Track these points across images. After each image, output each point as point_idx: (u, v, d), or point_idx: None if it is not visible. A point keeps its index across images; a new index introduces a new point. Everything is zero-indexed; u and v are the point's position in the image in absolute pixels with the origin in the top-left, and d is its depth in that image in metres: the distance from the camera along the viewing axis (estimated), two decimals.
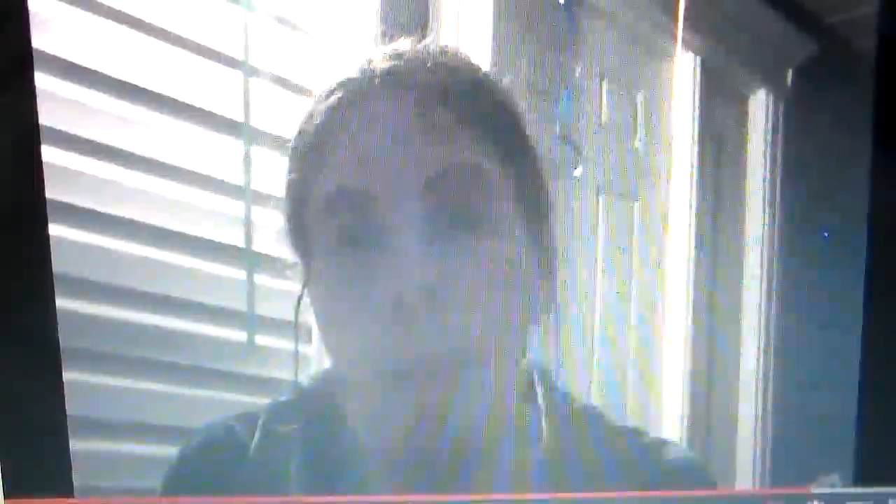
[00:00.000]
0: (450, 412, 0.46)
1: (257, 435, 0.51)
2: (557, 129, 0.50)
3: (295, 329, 0.53)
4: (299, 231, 0.50)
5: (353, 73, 0.47)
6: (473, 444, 0.48)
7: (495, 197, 0.47)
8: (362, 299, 0.46)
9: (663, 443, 0.53)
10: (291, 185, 0.50)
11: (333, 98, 0.47)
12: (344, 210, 0.46)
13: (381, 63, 0.47)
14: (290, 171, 0.50)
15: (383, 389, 0.46)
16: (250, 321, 0.61)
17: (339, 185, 0.46)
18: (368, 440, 0.50)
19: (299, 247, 0.51)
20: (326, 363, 0.52)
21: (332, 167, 0.47)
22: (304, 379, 0.54)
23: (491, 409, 0.47)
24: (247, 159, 0.60)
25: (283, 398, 0.53)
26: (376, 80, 0.47)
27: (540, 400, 0.51)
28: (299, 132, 0.49)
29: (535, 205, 0.49)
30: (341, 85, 0.48)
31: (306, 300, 0.51)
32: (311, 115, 0.48)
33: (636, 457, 0.52)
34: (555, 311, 0.52)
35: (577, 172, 0.52)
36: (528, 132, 0.49)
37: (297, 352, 0.53)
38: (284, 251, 0.52)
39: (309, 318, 0.51)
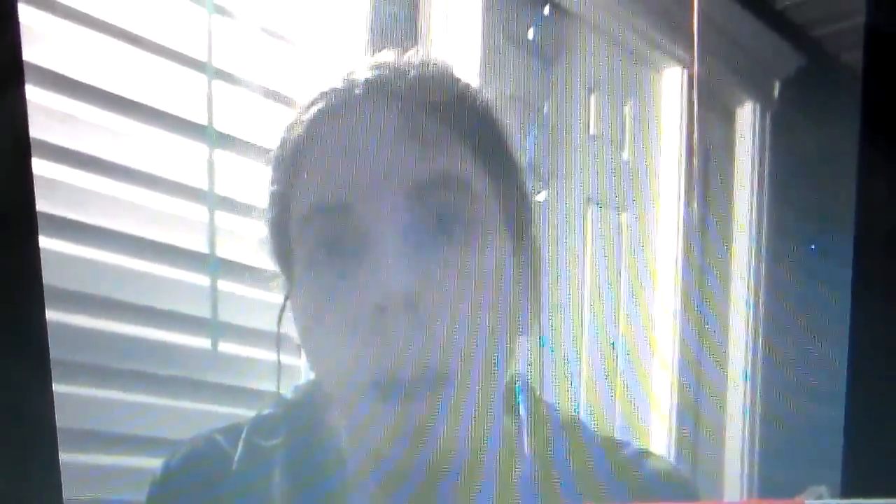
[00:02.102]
0: (433, 424, 0.45)
1: (240, 448, 0.50)
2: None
3: (277, 341, 0.52)
4: (281, 242, 0.50)
5: (335, 83, 0.47)
6: (457, 456, 0.47)
7: (477, 207, 0.46)
8: (344, 310, 0.46)
9: (646, 454, 0.52)
10: (273, 197, 0.49)
11: (314, 109, 0.47)
12: (325, 221, 0.46)
13: (362, 74, 0.47)
14: (272, 183, 0.49)
15: (366, 401, 0.46)
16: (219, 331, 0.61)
17: (320, 196, 0.46)
18: (352, 453, 0.49)
19: (281, 258, 0.50)
20: (311, 376, 0.52)
21: (313, 178, 0.46)
22: (288, 391, 0.53)
23: (474, 421, 0.47)
24: (228, 169, 0.60)
25: (267, 411, 0.53)
26: (357, 91, 0.46)
27: (523, 412, 0.51)
28: (281, 143, 0.49)
29: (518, 216, 0.49)
30: (323, 95, 0.47)
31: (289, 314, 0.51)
32: (292, 126, 0.48)
33: (619, 468, 0.51)
34: (540, 325, 0.52)
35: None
36: (510, 144, 0.49)
37: (279, 363, 0.53)
38: (267, 262, 0.52)
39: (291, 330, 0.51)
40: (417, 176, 0.45)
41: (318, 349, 0.48)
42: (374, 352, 0.44)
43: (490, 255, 0.47)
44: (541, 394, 0.53)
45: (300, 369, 0.57)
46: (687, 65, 0.68)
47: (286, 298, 0.51)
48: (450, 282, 0.46)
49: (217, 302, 0.61)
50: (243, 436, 0.51)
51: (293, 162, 0.47)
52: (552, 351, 0.56)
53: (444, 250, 0.46)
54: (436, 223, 0.46)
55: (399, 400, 0.45)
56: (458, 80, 0.49)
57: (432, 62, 0.48)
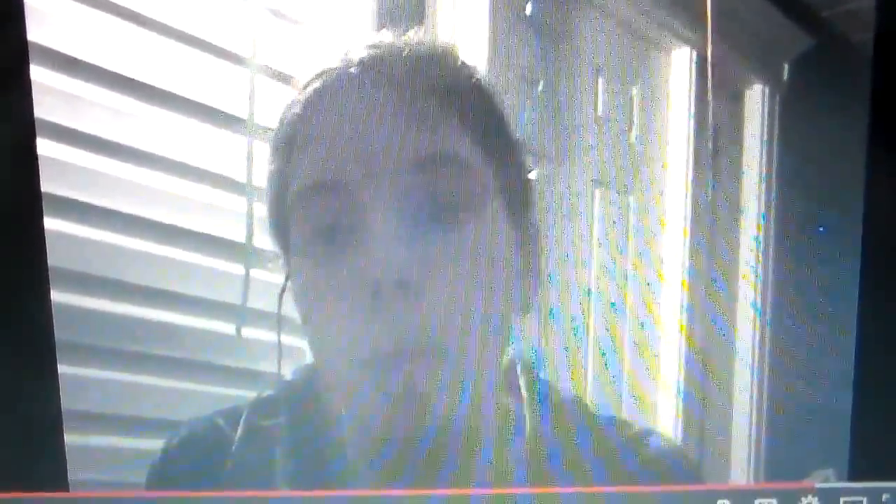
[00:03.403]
0: (429, 401, 0.46)
1: (240, 429, 0.51)
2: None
3: (278, 322, 0.53)
4: (280, 221, 0.50)
5: (332, 62, 0.48)
6: (455, 433, 0.48)
7: (474, 186, 0.47)
8: (340, 288, 0.46)
9: (647, 432, 0.53)
10: (272, 176, 0.50)
11: (311, 87, 0.48)
12: (320, 200, 0.46)
13: (359, 53, 0.47)
14: (271, 162, 0.50)
15: (363, 379, 0.46)
16: (241, 316, 0.61)
17: (316, 175, 0.46)
18: (350, 431, 0.50)
19: (280, 237, 0.51)
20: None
21: (309, 157, 0.47)
22: (287, 373, 0.54)
23: (471, 398, 0.47)
24: (245, 153, 0.60)
25: (267, 393, 0.53)
26: (353, 69, 0.47)
27: (523, 391, 0.51)
28: (279, 122, 0.49)
29: (517, 197, 0.49)
30: (319, 75, 0.48)
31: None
32: (290, 106, 0.49)
33: (620, 447, 0.51)
34: (534, 307, 0.52)
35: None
36: (509, 125, 0.49)
37: (279, 344, 0.53)
38: (268, 243, 0.52)
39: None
40: (413, 155, 0.46)
41: (316, 327, 0.49)
42: (369, 330, 0.45)
43: (487, 236, 0.47)
44: (542, 374, 0.53)
45: (304, 351, 0.57)
46: (695, 46, 0.67)
47: (287, 279, 0.52)
48: (446, 263, 0.46)
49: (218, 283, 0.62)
50: (243, 417, 0.51)
51: (290, 140, 0.48)
52: (555, 331, 0.56)
53: (439, 231, 0.46)
54: (432, 203, 0.46)
55: (394, 376, 0.45)
56: (457, 59, 0.49)
57: (431, 42, 0.48)
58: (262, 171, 0.51)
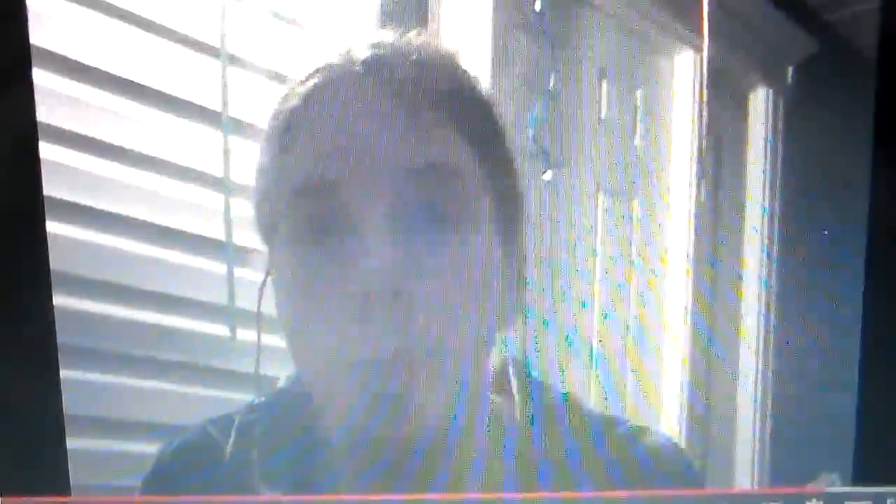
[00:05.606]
0: (418, 403, 0.46)
1: (233, 437, 0.50)
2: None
3: (257, 319, 0.52)
4: (267, 216, 0.49)
5: (332, 59, 0.47)
6: (444, 435, 0.48)
7: (468, 199, 0.47)
8: (327, 293, 0.46)
9: (642, 431, 0.52)
10: (262, 169, 0.49)
11: (310, 83, 0.47)
12: (312, 198, 0.46)
13: (360, 51, 0.47)
14: (263, 153, 0.49)
15: (352, 385, 0.46)
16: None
17: (309, 174, 0.46)
18: (342, 437, 0.49)
19: (265, 233, 0.50)
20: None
21: (303, 154, 0.46)
22: (281, 380, 0.53)
23: (463, 403, 0.47)
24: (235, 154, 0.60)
25: (259, 400, 0.53)
26: (354, 67, 0.46)
27: (514, 391, 0.51)
28: (273, 115, 0.48)
29: (508, 207, 0.49)
30: (318, 70, 0.47)
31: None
32: (285, 98, 0.48)
33: (613, 445, 0.51)
34: (527, 311, 0.52)
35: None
36: (507, 135, 0.49)
37: (259, 343, 0.53)
38: (249, 239, 0.51)
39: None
40: (409, 163, 0.45)
41: (298, 329, 0.48)
42: (356, 335, 0.45)
43: (477, 247, 0.47)
44: (536, 375, 0.53)
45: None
46: (700, 50, 0.67)
47: (267, 274, 0.51)
48: (435, 272, 0.46)
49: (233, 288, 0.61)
50: (235, 425, 0.51)
51: (284, 134, 0.47)
52: (553, 334, 0.56)
53: (431, 240, 0.46)
54: (425, 212, 0.46)
55: (382, 379, 0.45)
56: (459, 67, 0.49)
57: (434, 47, 0.48)
58: (251, 164, 0.50)
